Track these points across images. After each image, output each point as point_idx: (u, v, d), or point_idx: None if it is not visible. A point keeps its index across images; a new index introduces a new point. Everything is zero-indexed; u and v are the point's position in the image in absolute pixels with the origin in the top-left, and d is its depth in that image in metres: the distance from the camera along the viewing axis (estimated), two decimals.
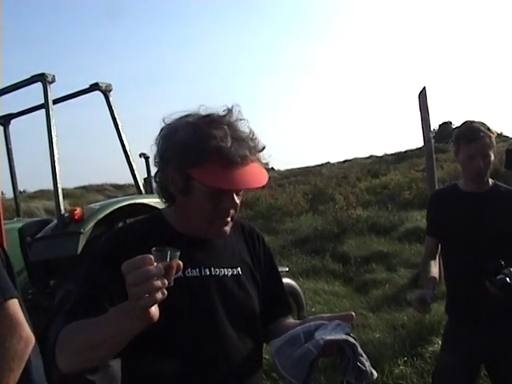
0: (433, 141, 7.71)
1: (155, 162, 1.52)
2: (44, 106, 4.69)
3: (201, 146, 1.40)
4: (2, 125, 5.84)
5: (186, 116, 1.49)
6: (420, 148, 25.25)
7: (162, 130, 1.51)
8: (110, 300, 1.36)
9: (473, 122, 2.85)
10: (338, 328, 1.45)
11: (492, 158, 2.81)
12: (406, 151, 28.28)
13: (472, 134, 2.78)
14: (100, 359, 1.34)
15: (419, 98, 7.37)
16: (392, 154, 30.37)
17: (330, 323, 1.46)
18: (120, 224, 5.00)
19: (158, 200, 5.78)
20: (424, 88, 7.32)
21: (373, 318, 6.27)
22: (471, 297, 2.81)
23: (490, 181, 2.94)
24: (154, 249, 1.19)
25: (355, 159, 34.34)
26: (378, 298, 7.26)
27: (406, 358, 4.70)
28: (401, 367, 4.53)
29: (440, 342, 4.87)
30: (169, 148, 1.46)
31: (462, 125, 2.94)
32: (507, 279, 2.52)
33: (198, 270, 1.52)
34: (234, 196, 1.52)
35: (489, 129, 2.80)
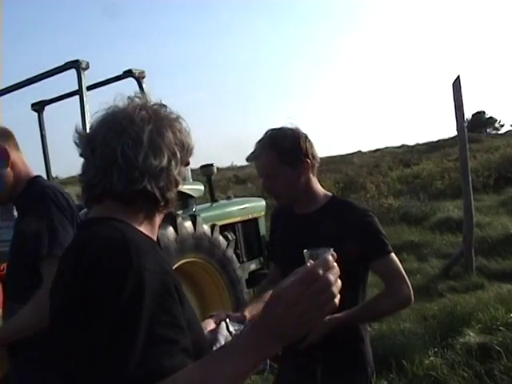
0: (466, 130, 7.60)
1: None
2: (78, 92, 4.72)
3: None
4: (37, 111, 5.89)
5: None
6: (452, 137, 24.98)
7: None
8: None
9: (262, 138, 2.31)
10: None
11: (285, 177, 2.25)
12: (437, 141, 28.05)
13: (252, 153, 2.33)
14: None
15: (453, 87, 7.28)
16: (424, 144, 30.20)
17: None
18: None
19: (193, 187, 5.77)
20: (458, 77, 7.22)
21: None
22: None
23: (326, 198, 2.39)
24: (306, 251, 1.14)
25: (386, 148, 34.16)
26: None
27: (436, 349, 4.66)
28: (431, 358, 4.49)
29: (472, 334, 4.87)
30: None
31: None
32: None
33: None
34: None
35: (274, 145, 2.24)
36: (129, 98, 1.34)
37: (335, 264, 1.05)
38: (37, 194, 2.19)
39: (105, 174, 1.24)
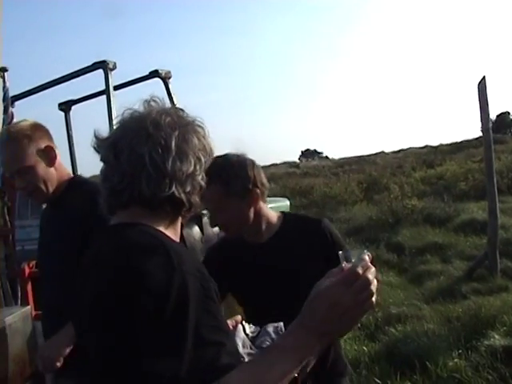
0: (491, 131, 7.56)
1: None
2: (105, 92, 4.80)
3: None
4: (63, 110, 6.00)
5: None
6: (477, 138, 24.78)
7: None
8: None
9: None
10: None
11: (234, 210, 2.08)
12: (461, 141, 27.83)
13: None
14: None
15: (478, 88, 7.24)
16: (448, 144, 30.00)
17: None
18: None
19: None
20: (484, 78, 7.19)
21: (427, 309, 6.20)
22: None
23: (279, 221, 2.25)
24: (340, 252, 1.17)
25: (410, 149, 33.99)
26: (432, 289, 7.17)
27: (460, 351, 4.66)
28: (455, 360, 4.49)
29: (496, 336, 4.86)
30: None
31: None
32: None
33: None
34: None
35: (219, 176, 2.00)
36: (145, 101, 1.35)
37: (371, 264, 1.10)
38: (85, 193, 2.20)
39: (132, 179, 1.24)
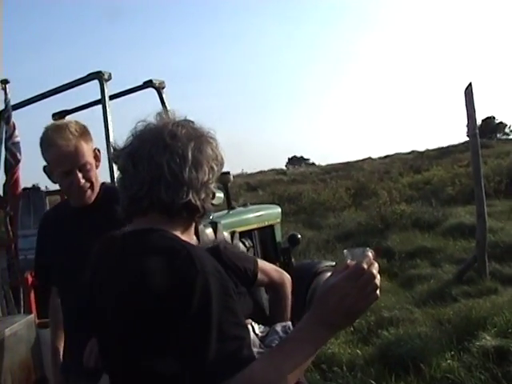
0: (478, 137, 7.69)
1: None
2: (100, 102, 4.84)
3: None
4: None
5: None
6: (463, 143, 25.00)
7: None
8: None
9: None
10: None
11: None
12: (447, 146, 28.06)
13: None
14: None
15: (465, 94, 7.38)
16: (434, 150, 30.19)
17: None
18: None
19: None
20: (470, 84, 7.33)
21: (418, 312, 6.29)
22: None
23: None
24: (345, 250, 1.27)
25: (396, 154, 34.17)
26: (422, 293, 7.26)
27: (453, 353, 4.73)
28: (448, 361, 4.57)
29: (488, 337, 4.96)
30: None
31: None
32: None
33: None
34: None
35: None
36: (158, 114, 1.43)
37: (374, 261, 1.22)
38: None
39: (151, 187, 1.32)
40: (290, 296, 2.38)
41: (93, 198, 2.34)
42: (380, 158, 34.25)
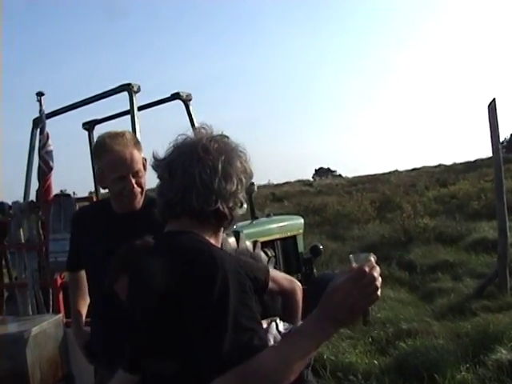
0: (504, 151, 7.73)
1: None
2: (129, 112, 4.99)
3: None
4: (87, 130, 6.19)
5: None
6: (490, 157, 24.73)
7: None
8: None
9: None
10: None
11: None
12: (475, 160, 27.78)
13: None
14: None
15: (489, 109, 7.44)
16: (461, 163, 29.94)
17: None
18: None
19: None
20: (494, 100, 7.39)
21: (437, 325, 6.32)
22: None
23: None
24: (351, 255, 1.40)
25: (423, 167, 33.93)
26: (442, 306, 7.30)
27: (468, 365, 4.79)
28: (463, 373, 4.63)
29: (504, 351, 5.01)
30: None
31: None
32: None
33: None
34: None
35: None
36: (196, 128, 1.61)
37: (376, 264, 1.35)
38: None
39: (184, 195, 1.49)
40: (300, 303, 2.50)
41: (141, 204, 2.50)
42: (407, 171, 34.01)
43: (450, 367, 4.75)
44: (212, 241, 1.55)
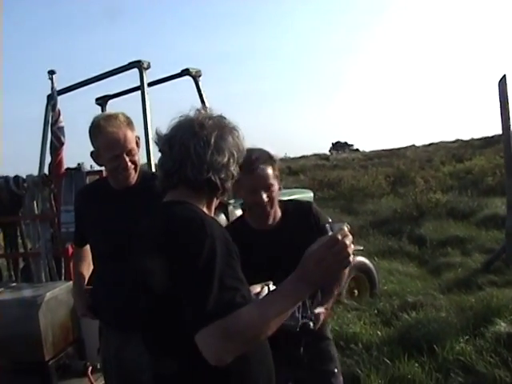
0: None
1: None
2: (139, 88, 5.10)
3: None
4: (100, 105, 6.32)
5: None
6: None
7: None
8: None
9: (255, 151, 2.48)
10: None
11: (275, 191, 2.51)
12: (493, 136, 27.50)
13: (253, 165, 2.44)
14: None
15: (499, 85, 7.44)
16: (479, 139, 29.69)
17: None
18: None
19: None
20: (504, 76, 7.38)
21: (442, 299, 6.41)
22: None
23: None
24: (326, 224, 1.54)
25: (441, 143, 33.73)
26: (449, 280, 7.41)
27: (468, 337, 4.89)
28: (461, 345, 4.73)
29: (503, 324, 5.12)
30: None
31: None
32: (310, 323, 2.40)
33: None
34: None
35: (272, 159, 2.51)
36: (197, 110, 1.76)
37: (348, 233, 1.47)
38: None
39: (180, 165, 1.66)
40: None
41: (135, 180, 2.67)
42: (424, 146, 33.86)
43: (450, 339, 4.85)
44: (205, 210, 1.72)
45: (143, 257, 1.61)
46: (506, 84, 7.37)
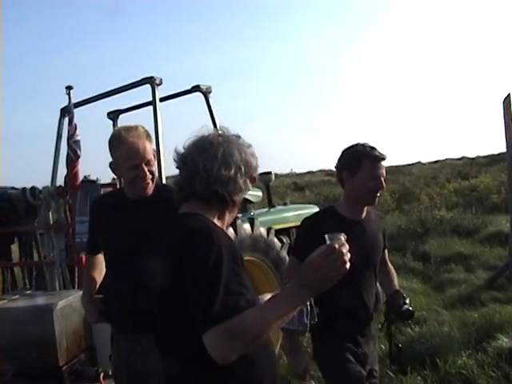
0: None
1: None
2: (151, 103, 5.18)
3: None
4: (112, 119, 6.41)
5: None
6: None
7: None
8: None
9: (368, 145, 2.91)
10: None
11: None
12: (498, 154, 27.57)
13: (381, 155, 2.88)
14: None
15: (503, 104, 7.55)
16: (485, 156, 29.75)
17: None
18: None
19: (252, 193, 6.29)
20: (508, 95, 7.48)
21: (446, 314, 6.47)
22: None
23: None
24: (326, 235, 1.66)
25: (447, 160, 33.81)
26: (453, 296, 7.43)
27: (470, 352, 4.97)
28: (464, 358, 4.81)
29: (505, 339, 5.19)
30: None
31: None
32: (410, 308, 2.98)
33: None
34: None
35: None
36: (213, 129, 1.93)
37: (345, 243, 1.60)
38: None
39: (190, 180, 1.80)
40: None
41: (152, 190, 2.77)
42: (430, 163, 33.93)
43: (452, 353, 4.92)
44: (216, 221, 1.84)
45: (157, 262, 1.73)
46: (510, 103, 7.48)
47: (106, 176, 4.98)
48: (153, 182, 2.76)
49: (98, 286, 2.97)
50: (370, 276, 3.02)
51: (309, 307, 1.93)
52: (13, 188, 5.08)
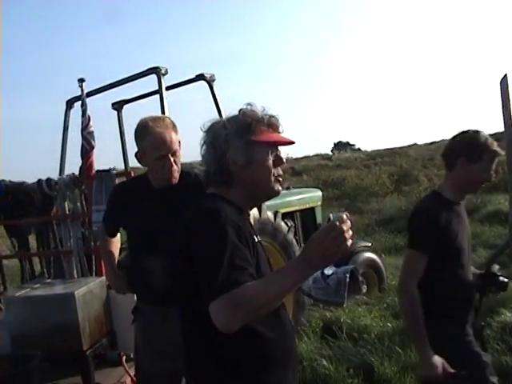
0: None
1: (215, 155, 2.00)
2: (156, 92, 5.24)
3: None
4: (116, 109, 6.46)
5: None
6: None
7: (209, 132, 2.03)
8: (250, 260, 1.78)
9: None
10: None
11: None
12: (494, 133, 27.54)
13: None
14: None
15: (501, 84, 7.64)
16: None
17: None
18: None
19: None
20: (505, 75, 7.57)
21: None
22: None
23: None
24: (331, 214, 1.75)
25: (443, 141, 33.82)
26: None
27: None
28: None
29: (508, 314, 5.35)
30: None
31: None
32: (505, 279, 2.99)
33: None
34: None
35: None
36: (244, 106, 2.00)
37: (348, 220, 1.68)
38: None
39: (206, 162, 1.97)
40: None
41: (177, 179, 2.83)
42: (426, 145, 34.00)
43: None
44: (232, 198, 1.93)
45: (178, 239, 1.87)
46: (507, 84, 7.56)
47: (112, 165, 5.06)
48: (178, 172, 2.82)
49: (116, 258, 3.10)
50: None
51: (348, 279, 2.01)
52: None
